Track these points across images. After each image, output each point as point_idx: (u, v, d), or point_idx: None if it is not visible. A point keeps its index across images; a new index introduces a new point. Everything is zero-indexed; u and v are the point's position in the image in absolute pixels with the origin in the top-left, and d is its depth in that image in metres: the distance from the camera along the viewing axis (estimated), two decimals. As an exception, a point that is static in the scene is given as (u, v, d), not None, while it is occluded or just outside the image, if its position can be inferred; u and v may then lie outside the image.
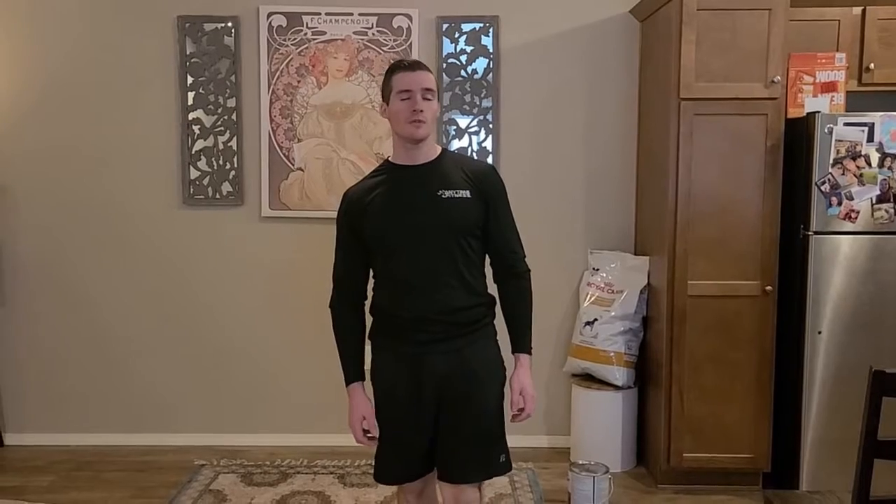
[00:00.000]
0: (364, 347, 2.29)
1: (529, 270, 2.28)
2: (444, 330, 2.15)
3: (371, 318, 2.29)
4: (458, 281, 2.16)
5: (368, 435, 2.23)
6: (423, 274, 2.14)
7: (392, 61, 2.43)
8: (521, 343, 2.24)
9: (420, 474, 2.26)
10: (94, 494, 3.44)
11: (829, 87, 3.34)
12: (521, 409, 2.21)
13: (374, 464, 2.31)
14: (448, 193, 2.15)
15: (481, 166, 2.31)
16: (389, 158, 2.27)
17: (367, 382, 2.28)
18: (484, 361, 2.21)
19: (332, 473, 3.64)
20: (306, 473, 3.64)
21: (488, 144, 3.89)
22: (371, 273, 2.28)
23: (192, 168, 3.90)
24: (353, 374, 2.26)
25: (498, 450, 2.24)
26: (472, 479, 2.20)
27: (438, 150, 2.25)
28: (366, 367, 2.30)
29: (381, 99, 2.23)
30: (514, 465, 3.57)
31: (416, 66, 2.17)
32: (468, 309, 2.18)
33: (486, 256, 2.27)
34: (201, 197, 3.92)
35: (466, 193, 2.16)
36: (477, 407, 2.18)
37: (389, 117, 2.19)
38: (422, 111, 2.11)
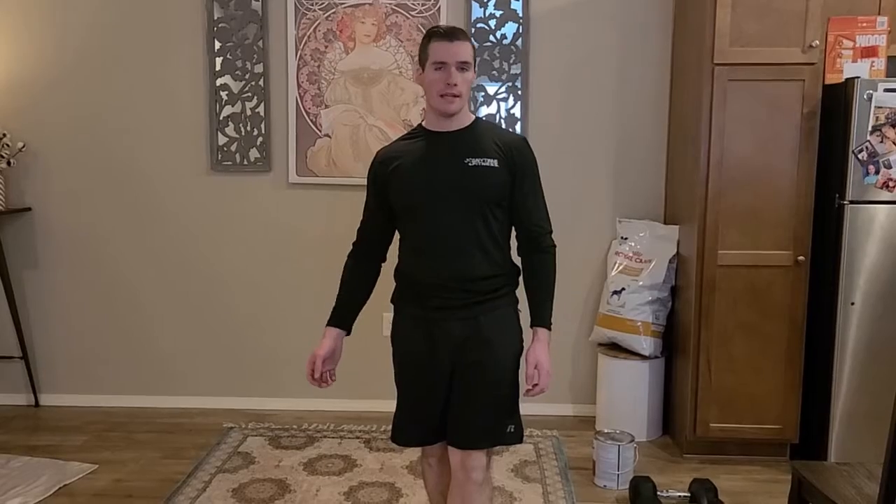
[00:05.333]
0: (363, 303, 2.33)
1: (555, 246, 2.24)
2: (460, 297, 2.15)
3: (394, 283, 2.30)
4: (478, 249, 2.14)
5: (314, 375, 2.25)
6: (441, 239, 2.14)
7: (422, 27, 2.39)
8: (540, 317, 2.19)
9: (436, 439, 2.27)
10: (126, 454, 3.51)
11: (869, 52, 3.24)
12: (535, 384, 2.16)
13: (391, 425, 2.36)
14: (475, 161, 2.12)
15: (514, 138, 2.28)
16: (423, 124, 2.25)
17: (387, 344, 2.31)
18: (499, 331, 2.19)
19: (358, 438, 3.68)
20: (333, 437, 3.69)
21: (517, 111, 3.84)
22: (397, 238, 2.29)
23: (219, 134, 3.91)
24: (335, 318, 2.30)
25: (507, 420, 2.21)
26: (478, 446, 2.19)
27: (472, 118, 2.22)
28: (386, 334, 2.33)
29: (410, 64, 2.20)
30: (539, 433, 3.67)
31: (453, 34, 2.11)
32: (486, 279, 2.16)
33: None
34: (229, 163, 3.93)
35: (494, 163, 2.13)
36: (488, 375, 2.16)
37: (423, 86, 2.16)
38: (455, 85, 2.08)
